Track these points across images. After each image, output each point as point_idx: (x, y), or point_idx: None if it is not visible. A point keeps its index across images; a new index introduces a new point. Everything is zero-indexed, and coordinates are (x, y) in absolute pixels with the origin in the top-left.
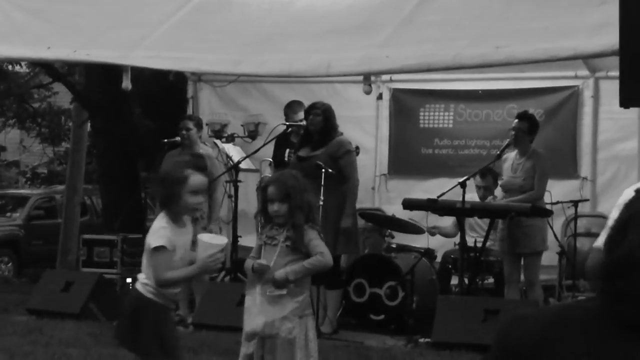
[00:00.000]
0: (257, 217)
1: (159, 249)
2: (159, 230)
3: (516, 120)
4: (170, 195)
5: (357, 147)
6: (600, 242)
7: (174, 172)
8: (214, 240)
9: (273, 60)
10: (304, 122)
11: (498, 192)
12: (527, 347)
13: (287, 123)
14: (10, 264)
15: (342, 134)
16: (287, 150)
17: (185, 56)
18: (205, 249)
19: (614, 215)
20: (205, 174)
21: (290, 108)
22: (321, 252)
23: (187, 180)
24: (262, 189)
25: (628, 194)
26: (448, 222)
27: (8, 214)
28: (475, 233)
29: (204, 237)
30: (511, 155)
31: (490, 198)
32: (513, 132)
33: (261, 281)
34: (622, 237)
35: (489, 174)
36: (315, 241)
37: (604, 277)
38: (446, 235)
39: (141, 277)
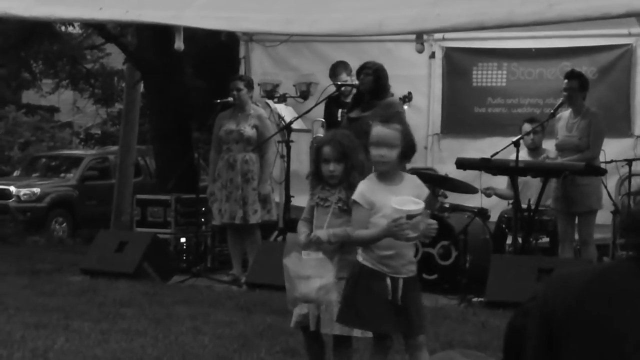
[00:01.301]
0: (308, 178)
1: (352, 203)
2: (358, 186)
3: (566, 80)
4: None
5: (410, 93)
6: None
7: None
8: (404, 206)
9: (324, 20)
10: (356, 82)
11: (551, 147)
12: (564, 306)
13: (339, 83)
14: (64, 225)
15: (393, 94)
16: (340, 110)
17: (237, 16)
18: (392, 212)
19: None
20: (392, 126)
21: (333, 71)
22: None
23: (370, 132)
24: (315, 149)
25: None
26: (503, 183)
27: (62, 175)
28: (529, 193)
29: (395, 201)
30: (565, 114)
31: (543, 156)
32: (565, 93)
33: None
34: None
35: (535, 121)
36: None
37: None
38: (502, 196)
39: None
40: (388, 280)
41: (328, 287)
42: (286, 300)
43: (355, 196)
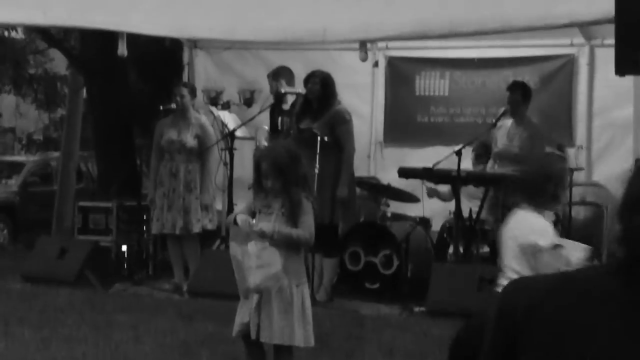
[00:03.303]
0: (251, 187)
1: (557, 247)
2: (548, 228)
3: (508, 93)
4: (557, 195)
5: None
6: None
7: (560, 169)
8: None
9: (269, 27)
10: (301, 90)
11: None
12: (521, 311)
13: (283, 91)
14: (5, 231)
15: (340, 102)
16: (280, 118)
17: (181, 22)
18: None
19: None
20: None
21: (275, 74)
22: (310, 232)
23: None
24: (254, 163)
25: None
26: (445, 187)
27: (4, 181)
28: (473, 202)
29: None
30: (507, 123)
31: (480, 167)
32: (509, 105)
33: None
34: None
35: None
36: (306, 217)
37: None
38: (443, 199)
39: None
40: None
41: (278, 275)
42: (239, 291)
43: (557, 240)
